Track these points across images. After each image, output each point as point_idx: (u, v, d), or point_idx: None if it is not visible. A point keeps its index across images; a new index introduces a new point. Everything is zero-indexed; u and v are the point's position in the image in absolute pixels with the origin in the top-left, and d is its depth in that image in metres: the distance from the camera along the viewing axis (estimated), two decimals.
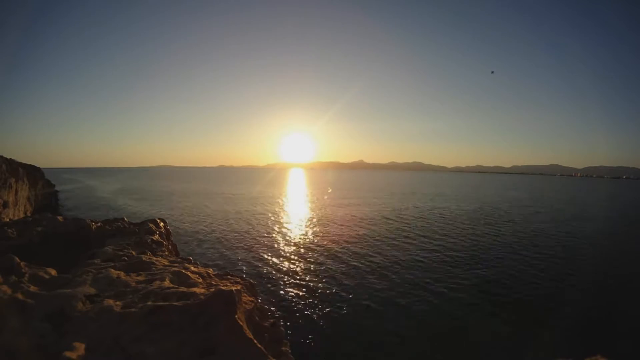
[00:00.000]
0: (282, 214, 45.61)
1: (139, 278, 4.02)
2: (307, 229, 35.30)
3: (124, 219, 7.80)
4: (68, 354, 2.57)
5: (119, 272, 4.14)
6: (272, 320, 3.93)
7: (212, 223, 37.25)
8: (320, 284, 18.38)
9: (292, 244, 27.98)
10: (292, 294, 17.07)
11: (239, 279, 4.43)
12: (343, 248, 26.47)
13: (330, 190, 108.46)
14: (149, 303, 3.28)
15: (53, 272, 4.15)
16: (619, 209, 63.25)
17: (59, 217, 7.21)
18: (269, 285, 17.98)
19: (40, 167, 48.03)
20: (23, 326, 2.90)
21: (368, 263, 22.49)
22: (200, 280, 4.14)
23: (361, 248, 26.53)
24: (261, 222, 38.74)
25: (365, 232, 33.12)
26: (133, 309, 3.17)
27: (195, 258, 5.30)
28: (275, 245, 27.11)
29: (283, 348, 3.70)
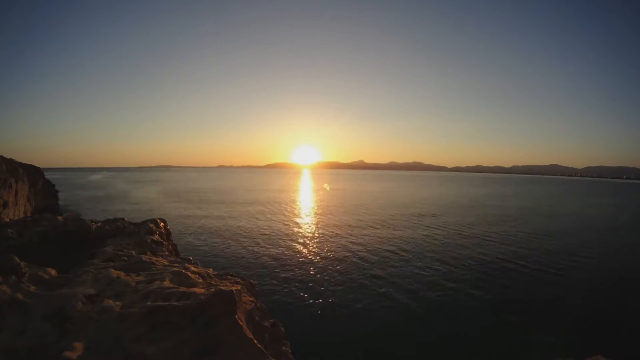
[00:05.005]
0: (281, 215, 45.59)
1: (139, 278, 4.01)
2: (306, 229, 35.29)
3: (124, 219, 7.78)
4: (68, 354, 2.57)
5: (119, 272, 4.14)
6: (272, 320, 3.92)
7: (212, 223, 37.25)
8: (320, 284, 18.37)
9: (292, 244, 27.97)
10: (293, 293, 17.07)
11: (239, 279, 4.42)
12: (342, 248, 26.47)
13: (326, 185, 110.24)
14: (149, 303, 3.28)
15: (53, 272, 4.14)
16: (621, 211, 63.22)
17: (59, 217, 7.19)
18: (269, 285, 17.98)
19: (40, 167, 47.94)
20: (23, 326, 2.90)
21: (368, 263, 22.49)
22: (201, 280, 4.13)
23: (360, 248, 26.52)
24: (261, 222, 38.73)
25: (364, 233, 33.11)
26: (133, 309, 3.16)
27: (196, 258, 5.30)
28: (275, 246, 27.10)
29: (283, 348, 3.69)
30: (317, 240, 29.52)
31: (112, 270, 4.18)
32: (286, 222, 38.94)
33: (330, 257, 23.68)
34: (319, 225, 37.11)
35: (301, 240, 29.25)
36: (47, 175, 48.40)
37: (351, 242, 28.42)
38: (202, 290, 3.57)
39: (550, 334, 13.50)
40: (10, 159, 34.48)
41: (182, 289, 3.62)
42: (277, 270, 20.61)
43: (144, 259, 4.82)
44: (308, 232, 33.17)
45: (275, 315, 4.30)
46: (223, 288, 3.43)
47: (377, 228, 35.71)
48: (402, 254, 25.06)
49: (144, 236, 6.53)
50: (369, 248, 26.56)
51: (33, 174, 41.00)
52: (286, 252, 25.00)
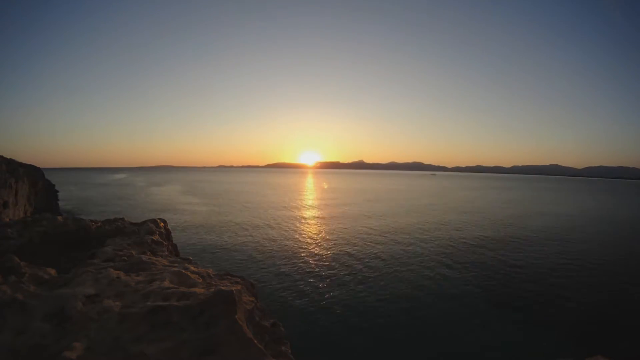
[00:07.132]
0: (281, 215, 45.57)
1: (139, 278, 4.01)
2: (306, 229, 35.28)
3: (124, 219, 7.78)
4: (68, 354, 2.57)
5: (119, 272, 4.14)
6: (272, 320, 3.92)
7: (213, 223, 37.23)
8: (320, 284, 18.37)
9: (292, 244, 27.97)
10: (293, 293, 17.06)
11: (239, 279, 4.42)
12: (342, 248, 26.46)
13: (325, 185, 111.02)
14: (149, 303, 3.28)
15: (53, 272, 4.15)
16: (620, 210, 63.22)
17: (59, 217, 7.19)
18: (270, 286, 17.98)
19: (40, 167, 47.92)
20: (23, 326, 2.90)
21: (369, 263, 22.47)
22: (200, 280, 4.13)
23: (360, 248, 26.52)
24: (260, 222, 38.71)
25: (363, 232, 33.10)
26: (133, 309, 3.16)
27: (196, 258, 5.30)
28: (275, 246, 27.09)
29: (283, 348, 3.69)
30: (318, 240, 29.51)
31: (112, 270, 4.18)
32: (286, 222, 38.93)
33: (331, 258, 23.68)
34: (320, 226, 37.10)
35: (302, 241, 29.24)
36: (47, 175, 48.38)
37: (352, 243, 28.42)
38: (202, 290, 3.57)
39: (550, 334, 13.50)
40: (10, 159, 34.46)
41: (182, 289, 3.63)
42: (278, 271, 20.60)
43: (144, 259, 4.82)
44: (309, 232, 33.16)
45: (275, 315, 4.30)
46: (223, 288, 3.43)
47: (379, 228, 35.70)
48: (405, 254, 25.05)
49: (144, 236, 6.53)
50: (370, 248, 26.56)
51: (33, 174, 40.98)
52: (287, 253, 25.00)
